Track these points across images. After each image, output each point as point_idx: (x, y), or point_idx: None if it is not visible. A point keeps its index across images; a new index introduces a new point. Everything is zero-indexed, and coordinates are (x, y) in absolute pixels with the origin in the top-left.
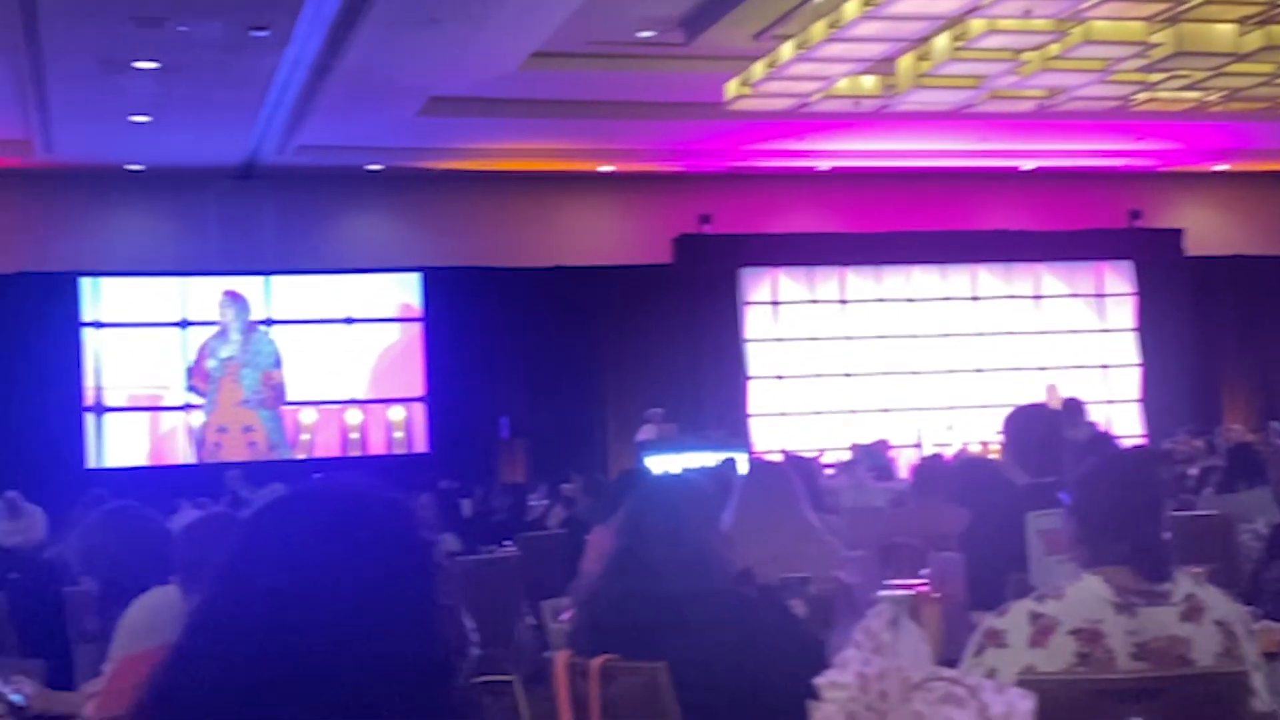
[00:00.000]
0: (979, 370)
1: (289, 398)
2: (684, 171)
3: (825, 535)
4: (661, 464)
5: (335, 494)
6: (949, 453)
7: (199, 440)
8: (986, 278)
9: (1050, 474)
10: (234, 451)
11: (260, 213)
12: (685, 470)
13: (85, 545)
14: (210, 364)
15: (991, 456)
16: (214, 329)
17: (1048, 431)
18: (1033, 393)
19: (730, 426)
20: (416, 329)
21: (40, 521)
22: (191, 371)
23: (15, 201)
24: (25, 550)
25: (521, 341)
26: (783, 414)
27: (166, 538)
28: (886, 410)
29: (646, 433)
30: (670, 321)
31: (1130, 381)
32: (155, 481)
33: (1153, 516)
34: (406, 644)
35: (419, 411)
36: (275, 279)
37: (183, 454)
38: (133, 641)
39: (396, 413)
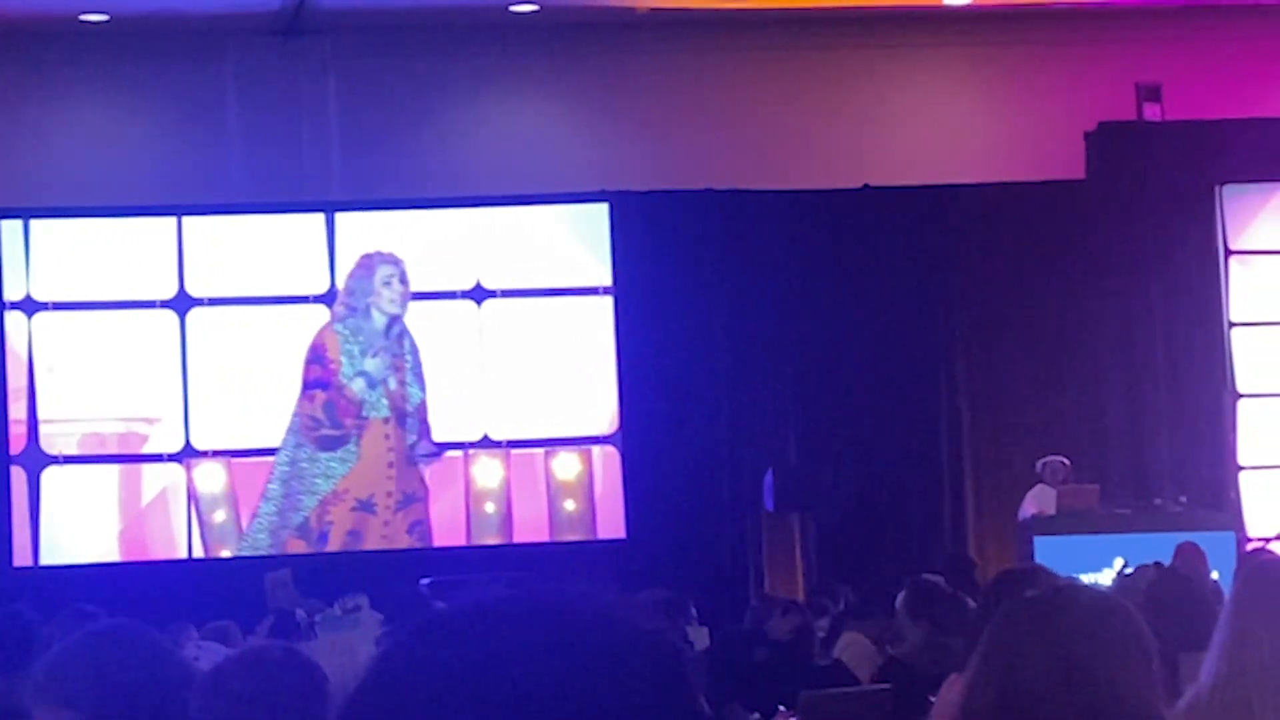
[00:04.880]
0: None
1: None
2: (1105, 3)
3: None
4: (1068, 560)
5: (548, 624)
6: None
7: (314, 526)
8: None
9: None
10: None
11: (315, 97)
12: (1121, 576)
13: (46, 699)
14: (358, 386)
15: None
16: (330, 312)
17: None
18: None
19: (1201, 489)
20: (599, 308)
21: None
22: (334, 404)
23: None
24: None
25: (800, 328)
26: None
27: (185, 684)
28: None
29: (1038, 501)
30: (1078, 288)
31: None
32: (131, 590)
33: None
34: None
35: (606, 461)
36: (343, 219)
37: (179, 540)
38: None
39: (566, 464)
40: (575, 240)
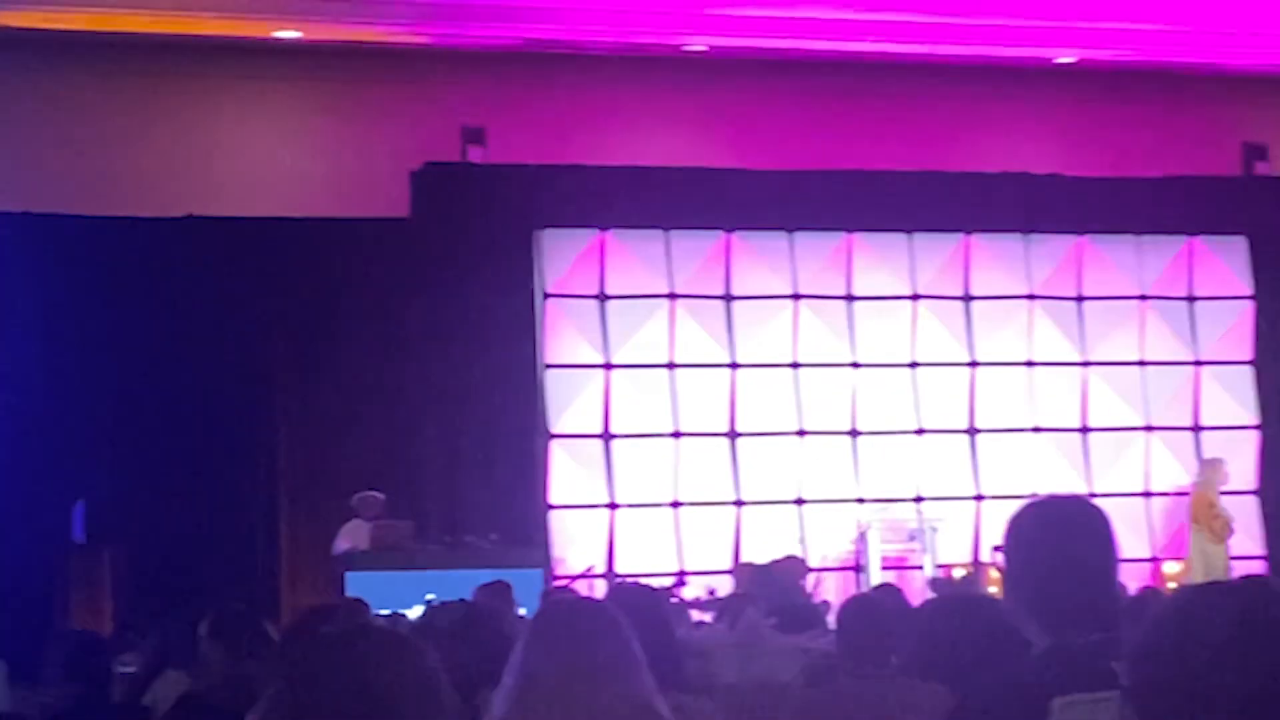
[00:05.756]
0: (973, 431)
1: None
2: (434, 45)
3: None
4: (380, 596)
5: None
6: (916, 583)
7: None
8: (991, 258)
9: (1090, 628)
10: None
11: None
12: (427, 611)
13: None
14: None
15: (989, 591)
16: None
17: (1092, 552)
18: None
19: (513, 527)
20: None
21: None
22: None
23: None
24: None
25: (119, 357)
26: (611, 505)
27: None
28: (804, 501)
29: (352, 537)
30: (401, 326)
31: (1244, 453)
32: None
33: None
34: None
35: None
36: None
37: None
38: None
39: None
40: None
